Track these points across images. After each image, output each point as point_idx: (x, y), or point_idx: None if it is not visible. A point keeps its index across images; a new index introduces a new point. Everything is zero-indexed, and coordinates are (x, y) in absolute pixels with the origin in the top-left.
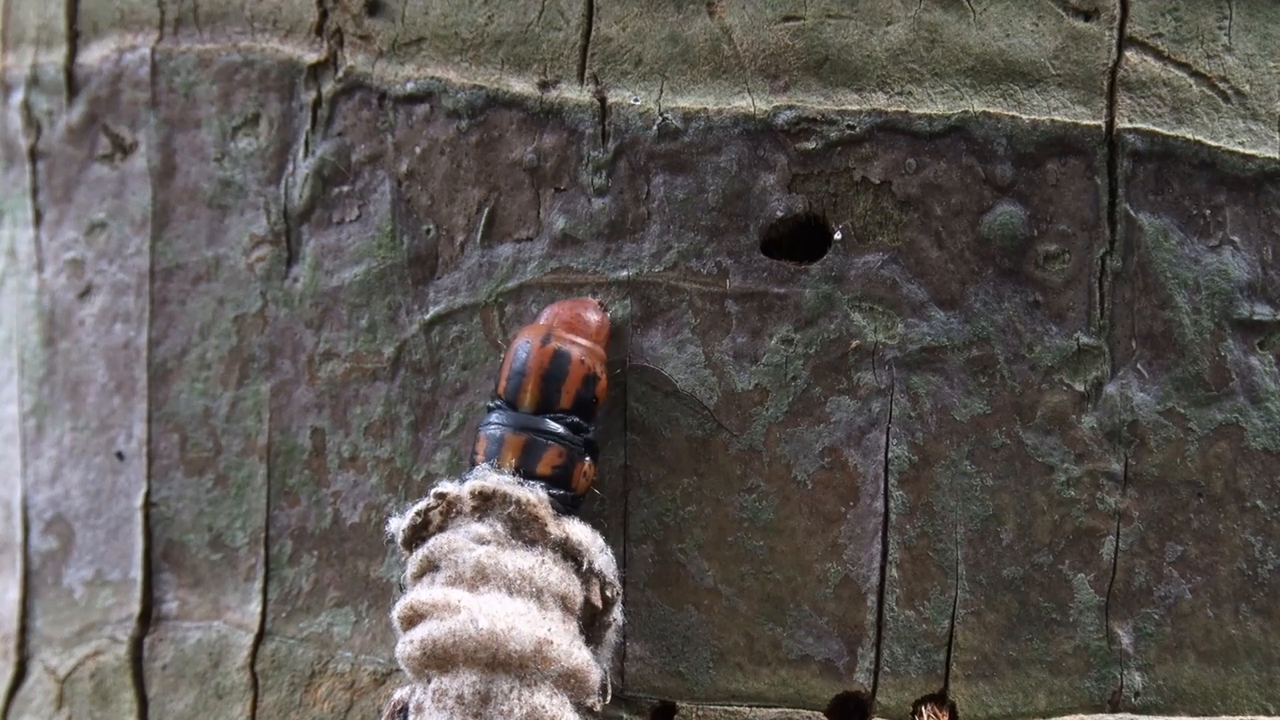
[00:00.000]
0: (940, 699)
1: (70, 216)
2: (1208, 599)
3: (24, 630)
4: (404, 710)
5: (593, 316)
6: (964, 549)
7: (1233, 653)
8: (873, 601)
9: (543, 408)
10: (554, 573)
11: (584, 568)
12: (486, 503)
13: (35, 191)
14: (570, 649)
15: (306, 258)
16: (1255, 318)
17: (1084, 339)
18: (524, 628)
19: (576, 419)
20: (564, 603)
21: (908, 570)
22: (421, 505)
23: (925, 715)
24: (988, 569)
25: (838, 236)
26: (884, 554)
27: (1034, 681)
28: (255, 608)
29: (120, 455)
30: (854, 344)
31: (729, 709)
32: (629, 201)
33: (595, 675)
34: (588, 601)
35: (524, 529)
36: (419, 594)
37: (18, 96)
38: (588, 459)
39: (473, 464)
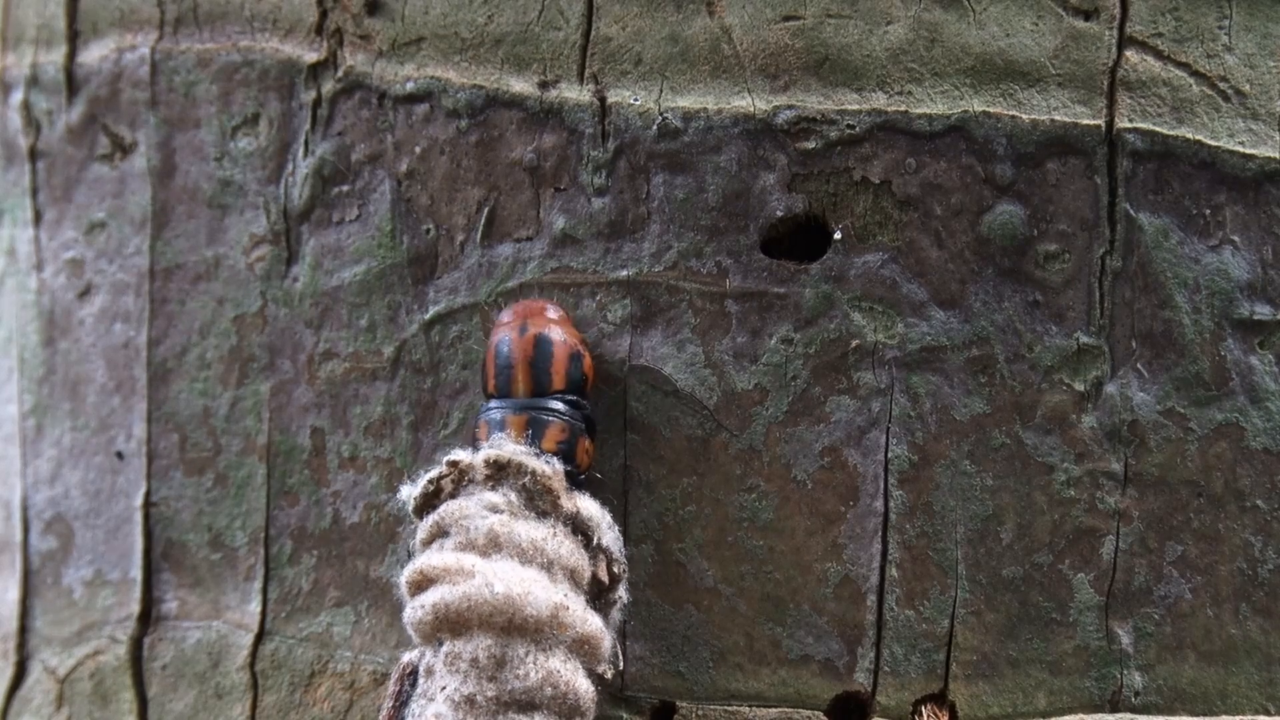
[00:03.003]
0: (940, 699)
1: (70, 216)
2: (1208, 599)
3: (24, 630)
4: (413, 673)
5: (553, 311)
6: (964, 549)
7: (1233, 652)
8: (873, 601)
9: (537, 393)
10: (564, 545)
11: (593, 543)
12: (500, 472)
13: (35, 191)
14: (585, 615)
15: (306, 257)
16: (1255, 317)
17: (1084, 339)
18: (540, 592)
19: (572, 397)
20: (573, 576)
21: (908, 570)
22: (434, 473)
23: (925, 715)
24: (988, 569)
25: (838, 236)
26: (884, 554)
27: (1034, 681)
28: (255, 607)
29: (120, 455)
30: (854, 344)
31: (729, 709)
32: (629, 201)
33: (607, 642)
34: (594, 577)
35: (537, 500)
36: (429, 559)
37: (17, 96)
38: (588, 437)
39: (475, 450)
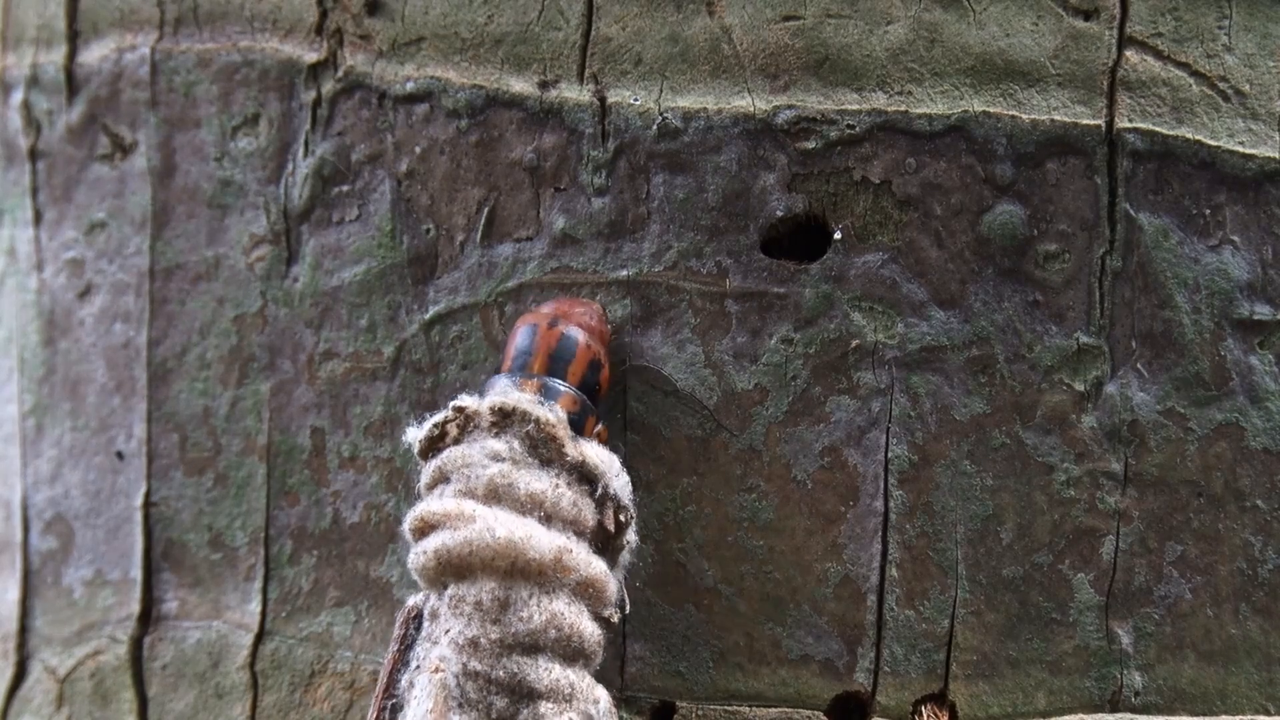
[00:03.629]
0: (940, 699)
1: (70, 216)
2: (1208, 599)
3: (24, 630)
4: (419, 617)
5: (593, 318)
6: (964, 549)
7: (1233, 652)
8: (873, 601)
9: None
10: (565, 497)
11: (599, 491)
12: (505, 420)
13: (35, 191)
14: (589, 558)
15: (306, 257)
16: (1255, 317)
17: (1084, 339)
18: (543, 536)
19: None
20: (574, 528)
21: (908, 570)
22: (439, 417)
23: (925, 715)
24: (988, 569)
25: (838, 236)
26: (884, 554)
27: (1034, 681)
28: (255, 607)
29: (120, 455)
30: (854, 344)
31: (729, 709)
32: (629, 201)
33: (612, 586)
34: (600, 525)
35: (541, 448)
36: (430, 505)
37: (18, 96)
38: (599, 420)
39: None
